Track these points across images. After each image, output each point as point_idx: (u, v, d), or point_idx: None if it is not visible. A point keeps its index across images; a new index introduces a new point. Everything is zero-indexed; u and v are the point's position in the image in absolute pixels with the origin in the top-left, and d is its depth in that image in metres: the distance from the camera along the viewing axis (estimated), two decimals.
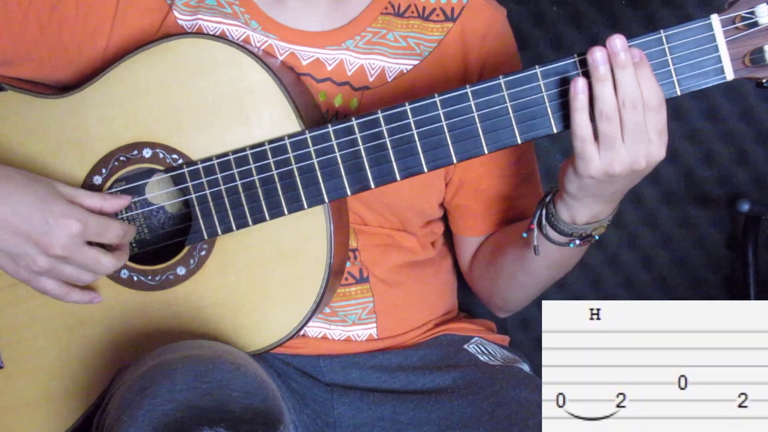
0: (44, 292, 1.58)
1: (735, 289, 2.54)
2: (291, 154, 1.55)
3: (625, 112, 1.44)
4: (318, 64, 1.66)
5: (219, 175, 1.57)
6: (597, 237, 1.59)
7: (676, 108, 2.48)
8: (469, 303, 1.93)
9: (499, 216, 1.77)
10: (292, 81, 1.61)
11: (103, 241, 1.57)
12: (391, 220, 1.72)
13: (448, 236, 1.86)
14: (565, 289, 2.62)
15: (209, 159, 1.57)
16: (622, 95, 1.44)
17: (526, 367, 1.77)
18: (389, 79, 1.67)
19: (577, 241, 1.58)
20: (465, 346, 1.76)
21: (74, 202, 1.56)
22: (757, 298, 2.48)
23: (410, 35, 1.68)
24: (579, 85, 1.45)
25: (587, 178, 1.49)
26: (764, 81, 1.47)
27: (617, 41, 1.44)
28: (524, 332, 2.64)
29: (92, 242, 1.56)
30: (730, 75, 1.46)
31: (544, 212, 1.58)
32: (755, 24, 1.44)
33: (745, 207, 2.39)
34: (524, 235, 1.61)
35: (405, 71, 1.68)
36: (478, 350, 1.75)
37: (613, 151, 1.45)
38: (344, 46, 1.66)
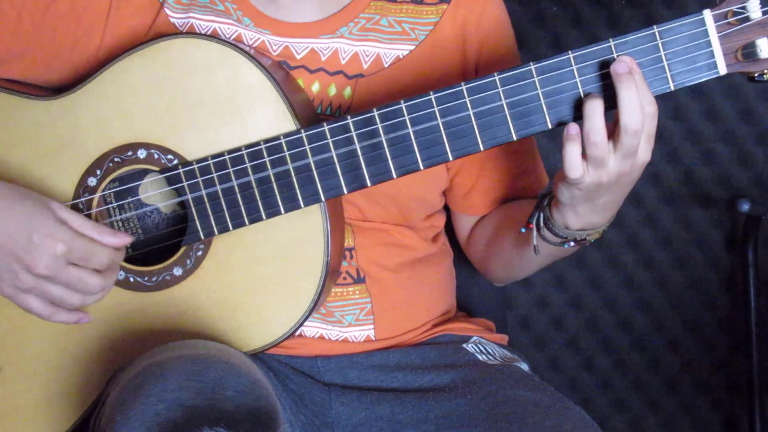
0: (29, 310, 1.57)
1: (735, 289, 2.53)
2: (287, 153, 1.55)
3: (623, 135, 1.45)
4: (313, 54, 1.66)
5: (215, 175, 1.57)
6: (592, 240, 1.60)
7: (676, 108, 2.47)
8: (468, 302, 1.93)
9: (499, 194, 1.78)
10: (285, 79, 1.61)
11: (87, 267, 1.54)
12: (393, 213, 1.71)
13: (449, 234, 1.86)
14: (565, 288, 2.61)
15: (204, 159, 1.57)
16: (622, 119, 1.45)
17: (525, 366, 1.77)
18: (386, 65, 1.67)
19: (572, 243, 1.60)
20: (464, 346, 1.76)
21: (65, 222, 1.53)
22: (757, 298, 2.47)
23: (404, 20, 1.68)
24: (572, 131, 1.46)
25: (576, 189, 1.50)
26: (756, 75, 1.47)
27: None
28: (523, 332, 2.63)
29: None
30: (723, 70, 1.47)
31: (541, 215, 1.59)
32: (747, 19, 1.45)
33: (745, 207, 2.38)
34: (522, 230, 1.62)
35: (401, 56, 1.68)
36: (477, 350, 1.75)
37: (603, 168, 1.47)
38: (338, 33, 1.66)
